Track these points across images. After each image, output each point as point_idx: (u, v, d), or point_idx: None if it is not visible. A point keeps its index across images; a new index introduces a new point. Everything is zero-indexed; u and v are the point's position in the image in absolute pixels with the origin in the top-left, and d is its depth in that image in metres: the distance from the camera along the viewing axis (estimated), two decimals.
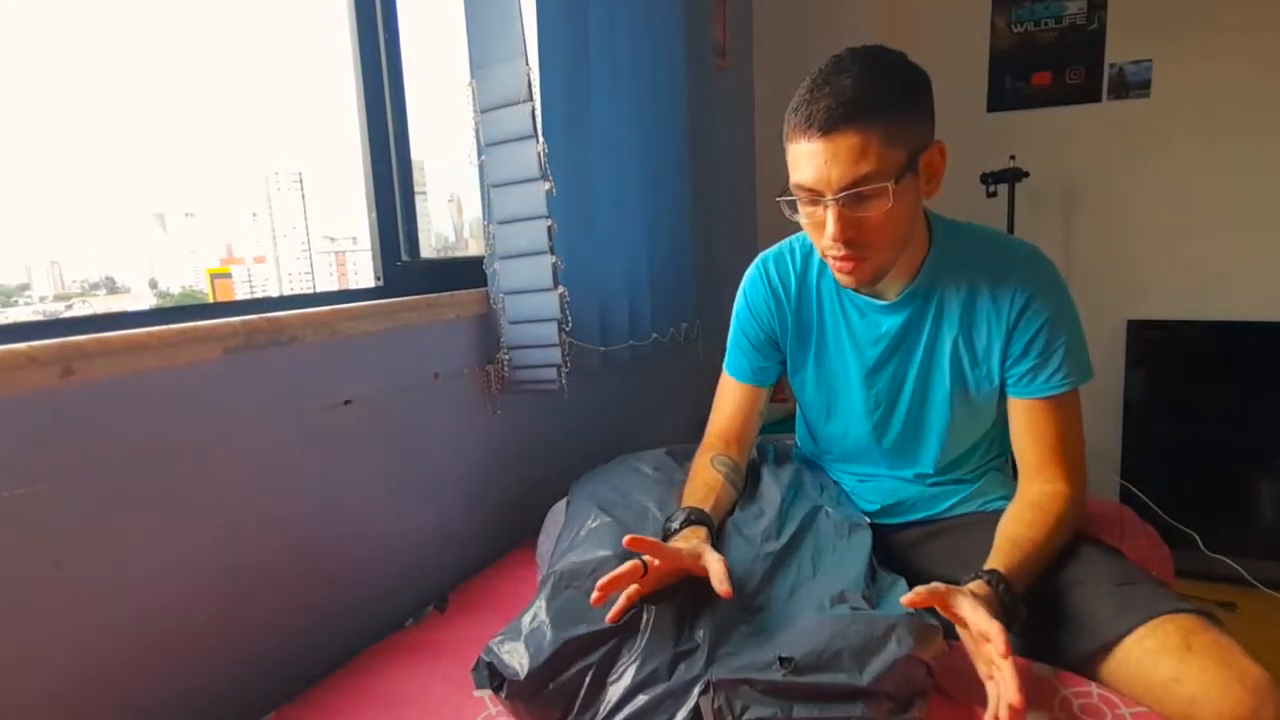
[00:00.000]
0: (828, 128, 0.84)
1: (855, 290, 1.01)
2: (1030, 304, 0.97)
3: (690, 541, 0.89)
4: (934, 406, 1.05)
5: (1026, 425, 1.00)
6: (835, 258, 0.93)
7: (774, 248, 1.14)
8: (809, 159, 0.87)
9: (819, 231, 0.91)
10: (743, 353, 1.15)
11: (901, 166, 0.86)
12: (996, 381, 1.02)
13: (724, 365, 1.19)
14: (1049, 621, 0.88)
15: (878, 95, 0.84)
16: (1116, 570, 0.90)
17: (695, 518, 0.95)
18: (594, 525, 0.98)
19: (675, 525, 0.94)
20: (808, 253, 1.10)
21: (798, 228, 0.99)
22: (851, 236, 0.89)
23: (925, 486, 1.11)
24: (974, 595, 0.79)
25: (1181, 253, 2.17)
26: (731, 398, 1.16)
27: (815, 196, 0.89)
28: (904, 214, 0.90)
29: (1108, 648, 0.82)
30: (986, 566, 0.85)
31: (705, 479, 1.05)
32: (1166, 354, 2.17)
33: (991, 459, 1.13)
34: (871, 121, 0.84)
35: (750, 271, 1.15)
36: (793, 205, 0.94)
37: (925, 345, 1.03)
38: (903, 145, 0.86)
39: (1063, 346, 0.97)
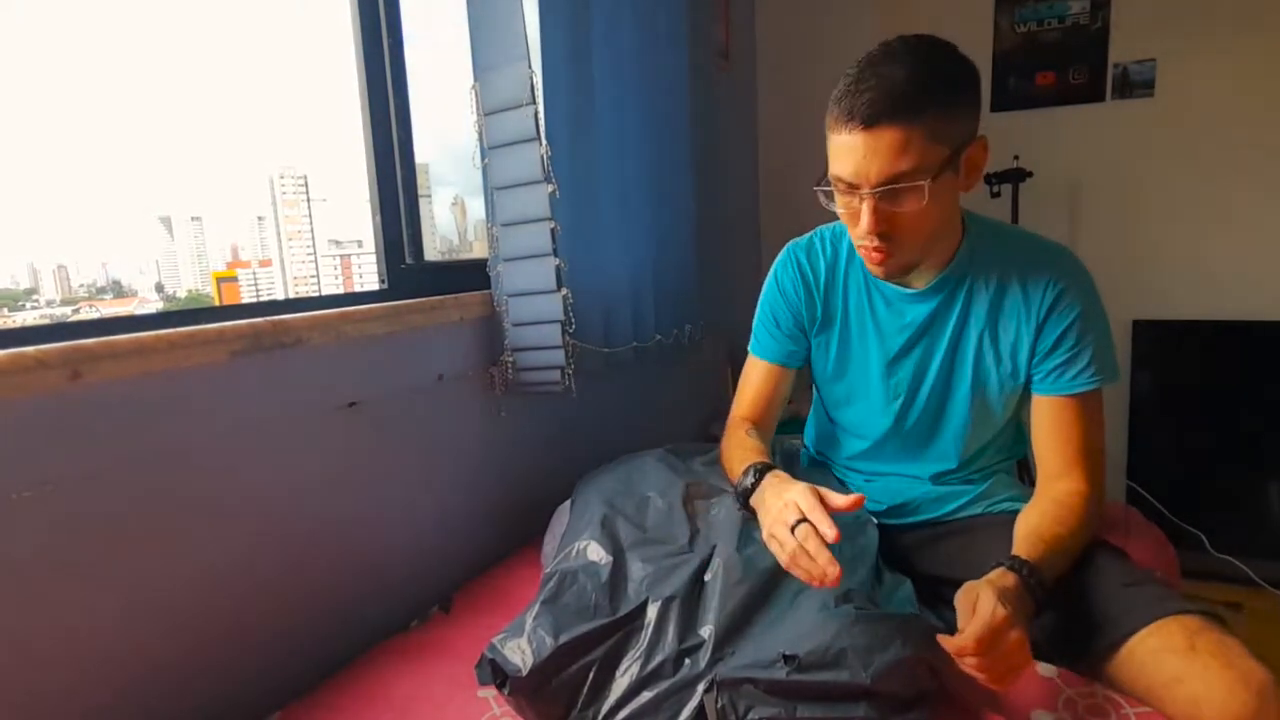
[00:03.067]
0: (869, 121, 0.83)
1: (885, 280, 1.01)
2: (1062, 298, 0.96)
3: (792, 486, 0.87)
4: (954, 402, 1.05)
5: (1051, 424, 0.99)
6: (867, 249, 0.93)
7: (804, 236, 1.15)
8: (848, 152, 0.86)
9: (854, 222, 0.91)
10: (770, 334, 1.15)
11: (941, 163, 0.85)
12: (1022, 379, 1.01)
13: (749, 348, 1.19)
14: (1053, 621, 0.88)
15: (925, 90, 0.83)
16: (1121, 571, 0.90)
17: (764, 467, 0.95)
18: (595, 524, 0.98)
19: (750, 480, 0.94)
20: (837, 240, 1.11)
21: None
22: (885, 230, 0.89)
23: (932, 486, 1.10)
24: (992, 584, 0.77)
25: (1187, 252, 2.16)
26: (758, 378, 1.16)
27: (852, 188, 0.89)
28: (939, 211, 0.90)
29: (1112, 647, 0.82)
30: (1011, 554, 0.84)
31: (751, 445, 1.04)
32: (1173, 354, 2.16)
33: (1000, 461, 1.12)
34: (916, 117, 0.82)
35: (781, 256, 1.15)
36: (829, 195, 0.93)
37: (950, 338, 1.03)
38: (946, 141, 0.85)
39: (1092, 344, 0.96)
